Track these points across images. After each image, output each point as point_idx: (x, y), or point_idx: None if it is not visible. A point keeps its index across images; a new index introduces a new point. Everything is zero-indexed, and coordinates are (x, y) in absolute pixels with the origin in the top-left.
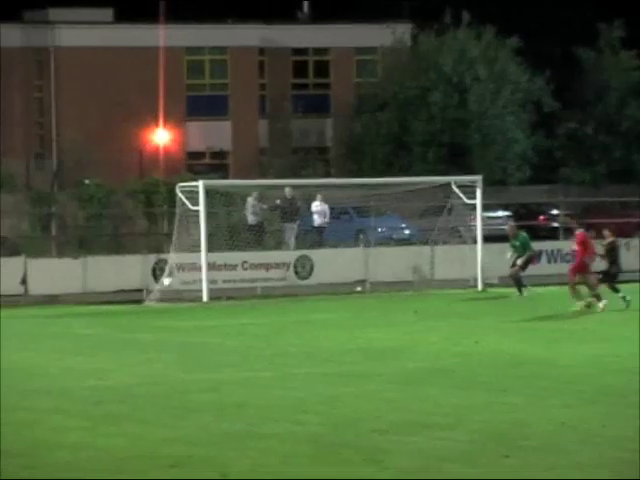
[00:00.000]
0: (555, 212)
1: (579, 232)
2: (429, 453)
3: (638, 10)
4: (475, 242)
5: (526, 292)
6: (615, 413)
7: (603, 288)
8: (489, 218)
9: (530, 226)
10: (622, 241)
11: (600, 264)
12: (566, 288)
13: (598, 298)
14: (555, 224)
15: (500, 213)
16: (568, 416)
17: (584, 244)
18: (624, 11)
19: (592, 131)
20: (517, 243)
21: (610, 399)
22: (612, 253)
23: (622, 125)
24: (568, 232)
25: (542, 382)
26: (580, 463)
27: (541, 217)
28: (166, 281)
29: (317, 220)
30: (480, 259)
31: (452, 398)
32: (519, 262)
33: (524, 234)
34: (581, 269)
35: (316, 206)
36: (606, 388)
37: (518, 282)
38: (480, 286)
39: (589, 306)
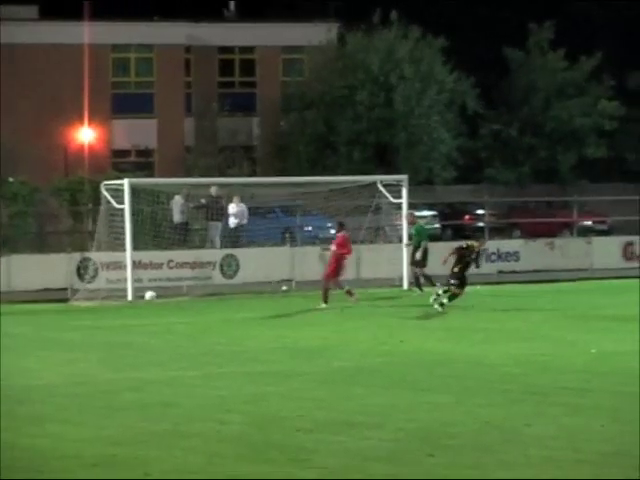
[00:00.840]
0: (480, 212)
1: (341, 234)
2: (354, 452)
3: (567, 11)
4: (401, 241)
5: (417, 292)
6: (539, 412)
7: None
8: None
9: (456, 225)
10: (546, 240)
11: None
12: (492, 287)
13: (350, 294)
14: (480, 223)
15: (426, 212)
16: (493, 415)
17: (344, 246)
18: (553, 12)
19: (517, 132)
20: (413, 231)
21: (535, 398)
22: (468, 259)
23: (547, 126)
24: (494, 232)
25: (467, 381)
26: (505, 462)
27: (466, 217)
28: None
29: (233, 221)
30: (406, 258)
31: (378, 397)
32: (417, 256)
33: (421, 224)
34: (335, 274)
35: (232, 207)
36: (531, 387)
37: (417, 281)
38: (406, 285)
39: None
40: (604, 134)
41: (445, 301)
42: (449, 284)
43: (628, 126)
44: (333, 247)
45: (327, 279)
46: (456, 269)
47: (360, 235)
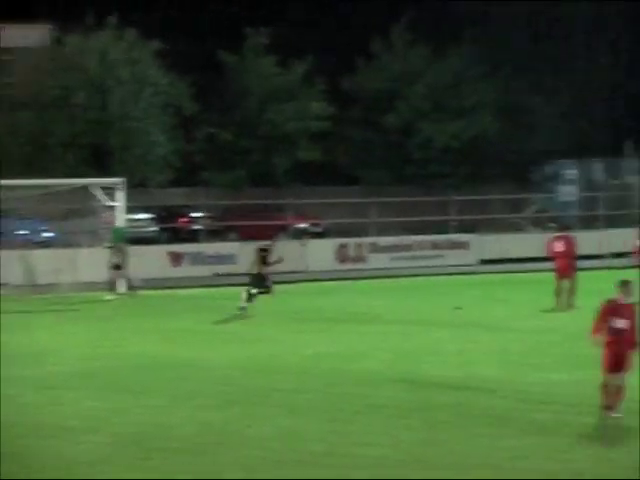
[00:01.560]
0: (196, 215)
1: None
2: (68, 457)
3: (282, 18)
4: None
5: (110, 296)
6: (257, 414)
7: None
8: (131, 220)
9: (172, 228)
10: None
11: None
12: (208, 290)
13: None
14: (196, 226)
15: (142, 215)
16: (212, 417)
17: None
18: (269, 18)
19: (232, 135)
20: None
21: (253, 399)
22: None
23: (261, 130)
24: (210, 234)
25: (186, 384)
26: (222, 463)
27: (182, 219)
28: None
29: None
30: (121, 261)
31: (94, 401)
32: (115, 259)
33: (119, 226)
34: None
35: None
36: (249, 389)
37: (129, 283)
38: (123, 288)
39: None
40: (317, 137)
41: (244, 304)
42: (255, 286)
43: (340, 130)
44: None
45: None
46: (257, 270)
47: (76, 238)
